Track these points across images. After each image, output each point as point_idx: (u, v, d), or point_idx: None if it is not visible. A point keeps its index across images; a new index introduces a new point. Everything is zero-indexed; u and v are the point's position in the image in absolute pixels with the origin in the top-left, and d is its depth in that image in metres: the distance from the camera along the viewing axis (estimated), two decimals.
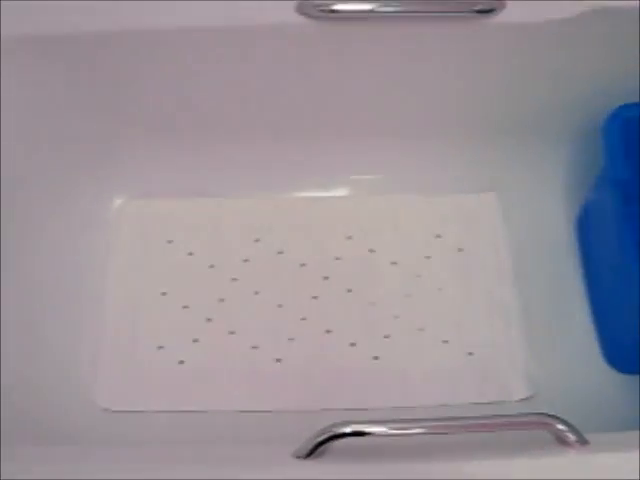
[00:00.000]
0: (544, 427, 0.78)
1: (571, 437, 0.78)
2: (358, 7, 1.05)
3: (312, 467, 0.77)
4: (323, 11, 1.05)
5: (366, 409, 1.09)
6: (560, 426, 0.78)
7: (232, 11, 1.07)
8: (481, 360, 1.14)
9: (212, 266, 1.21)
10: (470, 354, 1.14)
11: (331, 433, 0.77)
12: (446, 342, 1.15)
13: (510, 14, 1.05)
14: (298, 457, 0.78)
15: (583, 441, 0.78)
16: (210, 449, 0.83)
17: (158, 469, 0.78)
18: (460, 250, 1.22)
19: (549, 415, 0.79)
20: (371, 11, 1.05)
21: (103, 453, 0.85)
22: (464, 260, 1.22)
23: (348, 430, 0.77)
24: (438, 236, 1.24)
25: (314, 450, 0.77)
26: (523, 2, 1.05)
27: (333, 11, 1.05)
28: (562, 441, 0.78)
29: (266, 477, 0.77)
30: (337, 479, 0.77)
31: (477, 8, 1.04)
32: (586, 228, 1.21)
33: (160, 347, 1.15)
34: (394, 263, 1.21)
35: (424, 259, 1.22)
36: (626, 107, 1.09)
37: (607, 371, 1.13)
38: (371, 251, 1.22)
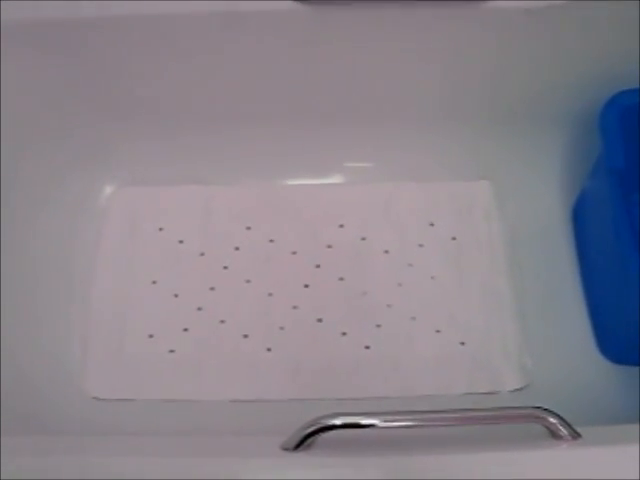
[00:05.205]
0: (536, 420, 0.78)
1: (563, 431, 0.77)
2: None
3: (300, 459, 0.77)
4: None
5: (357, 399, 1.08)
6: (552, 419, 0.77)
7: None
8: (474, 350, 1.13)
9: (203, 254, 1.21)
10: (462, 344, 1.13)
11: (319, 425, 0.76)
12: (438, 332, 1.14)
13: None
14: (286, 449, 0.77)
15: (575, 435, 0.78)
16: (199, 439, 0.82)
17: (145, 458, 0.78)
18: (453, 239, 1.21)
19: (541, 408, 0.78)
20: None
21: (92, 442, 0.85)
22: (457, 249, 1.21)
23: (336, 422, 0.76)
24: (431, 224, 1.23)
25: (302, 442, 0.77)
26: None
27: None
28: (554, 434, 0.78)
29: (254, 469, 0.76)
30: (325, 471, 0.76)
31: None
32: (582, 217, 1.20)
33: (150, 336, 1.14)
34: (386, 251, 1.20)
35: (417, 247, 1.21)
36: (624, 94, 1.07)
37: (601, 362, 1.12)
38: (363, 239, 1.21)
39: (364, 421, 0.77)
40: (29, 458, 0.79)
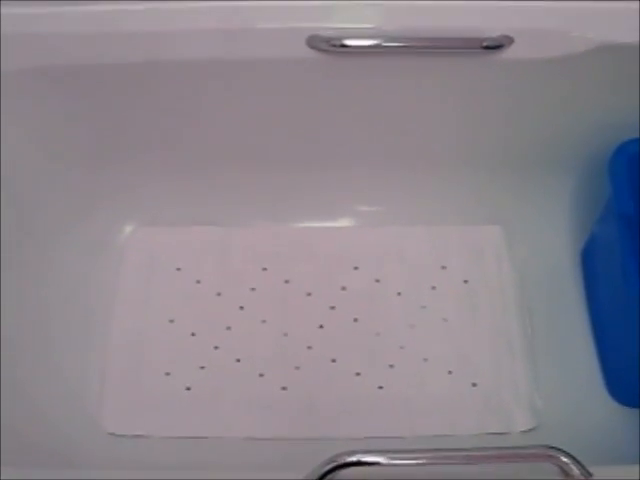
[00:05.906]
0: (548, 460, 0.79)
1: (575, 470, 0.78)
2: (369, 42, 1.05)
3: None
4: (334, 45, 1.05)
5: (370, 438, 1.10)
6: (564, 459, 0.79)
7: (243, 43, 1.08)
8: (485, 391, 1.14)
9: (219, 294, 1.23)
10: (474, 385, 1.15)
11: (339, 462, 0.78)
12: (450, 373, 1.16)
13: (517, 50, 1.06)
14: None
15: (587, 474, 0.79)
16: (216, 475, 0.83)
17: None
18: (465, 282, 1.24)
19: (553, 448, 0.80)
20: (381, 46, 1.06)
21: (106, 476, 0.86)
22: (469, 291, 1.23)
23: (354, 459, 0.78)
24: (443, 267, 1.25)
25: (322, 478, 0.78)
26: (530, 38, 1.06)
27: (344, 45, 1.05)
28: (567, 474, 0.79)
29: None
30: None
31: (485, 44, 1.05)
32: (591, 261, 1.22)
33: (167, 373, 1.16)
34: (399, 294, 1.22)
35: (429, 290, 1.23)
36: (631, 142, 1.10)
37: (610, 403, 1.13)
38: (377, 281, 1.24)
39: (381, 459, 0.78)
40: None
